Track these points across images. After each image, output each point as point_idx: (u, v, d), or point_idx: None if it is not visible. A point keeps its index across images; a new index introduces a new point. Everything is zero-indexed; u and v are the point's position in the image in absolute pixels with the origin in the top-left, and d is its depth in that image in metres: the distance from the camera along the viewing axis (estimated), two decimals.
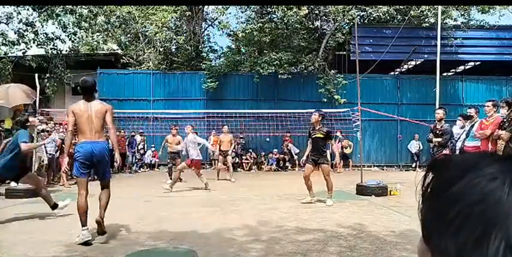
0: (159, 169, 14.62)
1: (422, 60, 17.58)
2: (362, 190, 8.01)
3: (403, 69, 20.25)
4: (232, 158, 14.84)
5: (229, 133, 12.07)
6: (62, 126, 11.89)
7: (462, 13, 16.98)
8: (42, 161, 9.44)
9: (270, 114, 14.92)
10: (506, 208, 0.39)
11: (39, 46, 14.55)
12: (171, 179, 9.70)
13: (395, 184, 8.35)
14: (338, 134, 14.82)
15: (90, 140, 4.55)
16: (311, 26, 17.11)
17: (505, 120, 5.80)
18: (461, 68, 20.46)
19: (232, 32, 18.91)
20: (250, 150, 15.23)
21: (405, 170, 15.63)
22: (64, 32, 14.88)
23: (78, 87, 4.91)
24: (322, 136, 6.90)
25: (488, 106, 6.30)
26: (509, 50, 16.49)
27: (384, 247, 4.07)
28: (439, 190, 0.45)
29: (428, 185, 0.47)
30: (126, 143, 13.80)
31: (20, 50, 14.32)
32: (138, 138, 14.75)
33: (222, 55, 18.24)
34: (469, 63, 19.51)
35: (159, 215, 5.81)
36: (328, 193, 7.02)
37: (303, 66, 15.82)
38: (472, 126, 6.89)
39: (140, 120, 15.39)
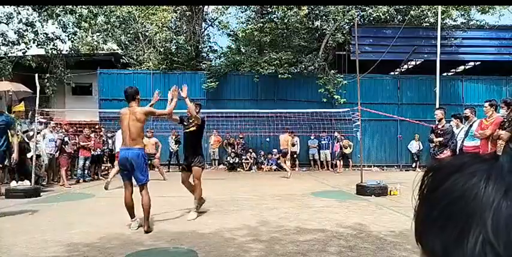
0: (157, 169, 14.60)
1: (422, 60, 17.58)
2: (362, 190, 8.01)
3: (403, 69, 20.25)
4: (232, 158, 14.90)
5: (289, 133, 12.85)
6: (61, 126, 11.89)
7: (462, 13, 17.00)
8: (43, 161, 9.44)
9: (270, 114, 14.92)
10: (483, 203, 0.40)
11: (39, 46, 14.56)
12: None
13: (395, 184, 8.35)
14: (336, 134, 14.77)
15: (126, 146, 4.87)
16: (311, 26, 17.11)
17: (505, 120, 5.80)
18: (461, 68, 20.46)
19: (232, 32, 18.92)
20: (250, 150, 15.24)
21: (405, 170, 15.63)
22: (64, 32, 14.89)
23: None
24: (196, 128, 5.63)
25: (486, 107, 6.30)
26: (509, 50, 16.50)
27: (384, 247, 4.07)
28: (429, 191, 0.47)
29: (422, 189, 0.49)
30: None
31: (20, 50, 14.33)
32: None
33: (222, 55, 18.25)
34: (469, 63, 19.51)
35: (159, 215, 5.81)
36: (194, 202, 5.81)
37: (303, 66, 15.81)
38: (471, 126, 6.89)
39: None
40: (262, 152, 15.37)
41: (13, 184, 8.21)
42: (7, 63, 13.84)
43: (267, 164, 15.07)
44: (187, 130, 5.73)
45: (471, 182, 0.42)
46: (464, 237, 0.40)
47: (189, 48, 16.83)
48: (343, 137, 14.78)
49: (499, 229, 0.39)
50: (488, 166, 0.44)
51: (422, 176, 0.49)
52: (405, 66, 19.92)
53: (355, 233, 4.72)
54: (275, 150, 15.07)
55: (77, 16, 14.20)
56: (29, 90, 8.93)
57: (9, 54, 14.43)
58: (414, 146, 15.86)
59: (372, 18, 16.62)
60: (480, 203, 0.41)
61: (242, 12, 18.57)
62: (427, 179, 0.48)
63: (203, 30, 19.01)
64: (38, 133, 8.80)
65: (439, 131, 6.99)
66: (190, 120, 5.69)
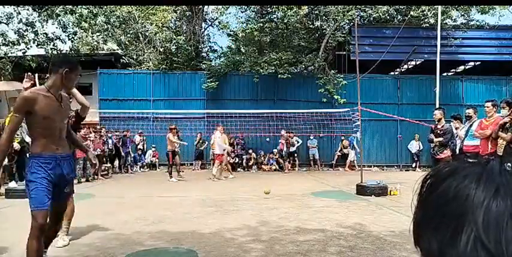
0: (159, 169, 14.62)
1: (422, 60, 17.58)
2: (362, 190, 8.01)
3: (403, 69, 20.25)
4: (232, 158, 14.91)
5: (224, 133, 12.38)
6: None
7: (462, 13, 16.99)
8: None
9: (270, 114, 14.92)
10: (474, 203, 0.43)
11: (39, 46, 14.56)
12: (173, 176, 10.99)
13: (395, 184, 8.35)
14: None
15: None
16: (311, 26, 17.11)
17: (507, 121, 5.77)
18: (461, 68, 20.46)
19: (232, 32, 18.92)
20: (250, 150, 15.24)
21: (405, 170, 15.63)
22: (64, 32, 14.89)
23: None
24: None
25: (487, 107, 6.29)
26: (509, 50, 16.50)
27: (384, 247, 4.07)
28: (425, 196, 0.49)
29: (420, 194, 0.51)
30: (120, 144, 13.52)
31: (20, 50, 14.33)
32: (137, 138, 14.75)
33: (222, 55, 18.25)
34: (469, 63, 19.51)
35: (159, 215, 5.81)
36: (64, 226, 4.15)
37: (303, 66, 15.80)
38: (471, 125, 6.89)
39: (140, 120, 15.40)
40: (262, 152, 15.37)
41: (13, 184, 8.21)
42: (7, 63, 13.84)
43: (267, 164, 15.06)
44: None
45: (463, 184, 0.45)
46: (457, 235, 0.42)
47: (189, 48, 16.83)
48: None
49: (490, 227, 0.41)
50: (480, 169, 0.46)
51: (421, 182, 0.51)
52: (405, 66, 19.92)
53: (355, 233, 4.72)
54: (275, 150, 15.07)
55: (77, 16, 14.19)
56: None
57: (9, 54, 14.42)
58: (414, 146, 15.86)
59: (372, 18, 16.62)
60: (471, 203, 0.43)
61: (242, 12, 18.58)
62: (424, 185, 0.51)
63: (203, 30, 19.00)
64: None
65: (438, 131, 6.98)
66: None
